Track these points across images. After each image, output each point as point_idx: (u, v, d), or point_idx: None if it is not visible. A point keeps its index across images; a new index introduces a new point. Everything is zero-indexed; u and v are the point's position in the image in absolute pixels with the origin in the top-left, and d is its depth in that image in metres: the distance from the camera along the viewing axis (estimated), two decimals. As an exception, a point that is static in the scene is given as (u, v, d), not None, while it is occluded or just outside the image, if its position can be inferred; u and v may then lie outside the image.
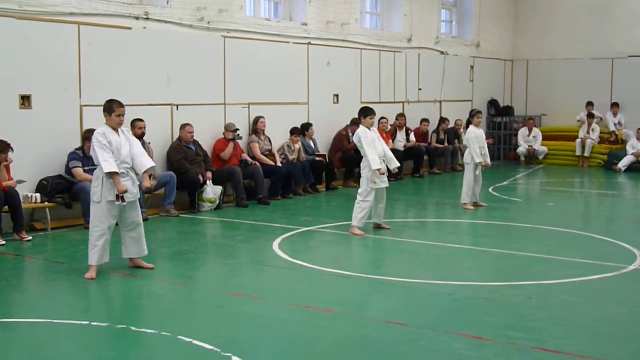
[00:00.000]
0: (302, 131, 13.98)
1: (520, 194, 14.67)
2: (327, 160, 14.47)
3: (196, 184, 11.63)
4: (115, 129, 7.63)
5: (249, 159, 12.82)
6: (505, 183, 15.62)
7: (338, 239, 9.84)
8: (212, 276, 8.10)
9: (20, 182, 9.54)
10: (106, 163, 7.42)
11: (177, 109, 12.06)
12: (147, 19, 11.67)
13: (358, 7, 15.98)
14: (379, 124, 15.89)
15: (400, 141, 16.44)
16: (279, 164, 13.14)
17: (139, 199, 7.97)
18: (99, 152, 7.45)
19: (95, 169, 10.30)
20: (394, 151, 15.92)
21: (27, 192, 9.91)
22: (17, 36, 9.95)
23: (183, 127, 11.80)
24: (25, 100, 10.09)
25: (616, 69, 19.57)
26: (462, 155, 18.04)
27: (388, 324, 6.04)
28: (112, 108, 7.64)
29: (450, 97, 18.71)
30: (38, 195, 9.96)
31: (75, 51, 10.61)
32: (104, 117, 7.75)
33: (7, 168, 9.48)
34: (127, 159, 7.62)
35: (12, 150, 9.46)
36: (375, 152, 9.86)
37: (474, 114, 12.38)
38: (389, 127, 16.46)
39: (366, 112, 10.05)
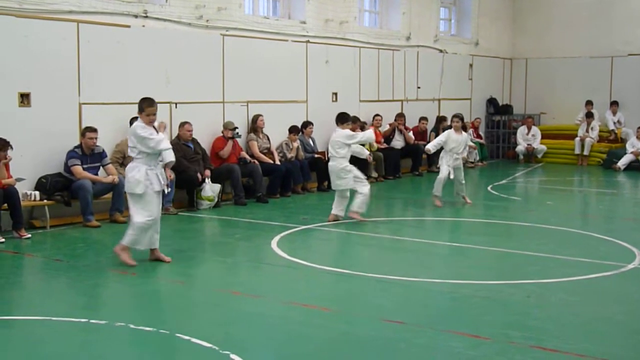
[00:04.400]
0: (301, 129, 13.98)
1: (519, 192, 14.68)
2: (326, 159, 14.47)
3: (194, 182, 11.63)
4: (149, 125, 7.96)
5: (247, 157, 12.82)
6: (503, 181, 15.63)
7: (336, 237, 9.86)
8: (211, 274, 8.10)
9: (19, 179, 9.54)
10: (164, 143, 7.89)
11: (176, 106, 12.05)
12: (146, 17, 11.66)
13: (357, 5, 15.97)
14: (373, 121, 15.96)
15: (398, 140, 16.46)
16: (278, 162, 13.15)
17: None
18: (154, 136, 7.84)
19: (94, 167, 10.39)
20: (393, 150, 16.11)
21: (26, 189, 9.91)
22: (16, 34, 9.94)
23: (182, 125, 11.80)
24: (24, 98, 10.09)
25: (615, 67, 19.57)
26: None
27: (386, 322, 6.05)
28: (141, 107, 7.94)
29: (449, 95, 18.71)
30: (37, 193, 9.96)
31: (74, 49, 10.61)
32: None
33: (6, 166, 9.48)
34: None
35: (11, 148, 9.46)
36: None
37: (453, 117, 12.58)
38: (387, 126, 16.49)
39: (348, 117, 10.96)
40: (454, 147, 12.04)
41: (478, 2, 19.87)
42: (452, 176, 11.92)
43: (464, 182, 12.27)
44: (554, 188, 15.15)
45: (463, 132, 12.37)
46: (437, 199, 12.02)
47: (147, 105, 7.89)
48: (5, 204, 9.31)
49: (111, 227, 10.14)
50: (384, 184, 15.09)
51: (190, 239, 9.68)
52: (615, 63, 19.55)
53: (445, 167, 12.05)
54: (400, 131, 16.52)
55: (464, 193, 12.28)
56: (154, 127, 7.91)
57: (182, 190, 11.72)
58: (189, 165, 11.63)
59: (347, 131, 10.70)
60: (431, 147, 12.36)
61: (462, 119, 12.43)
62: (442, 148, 12.27)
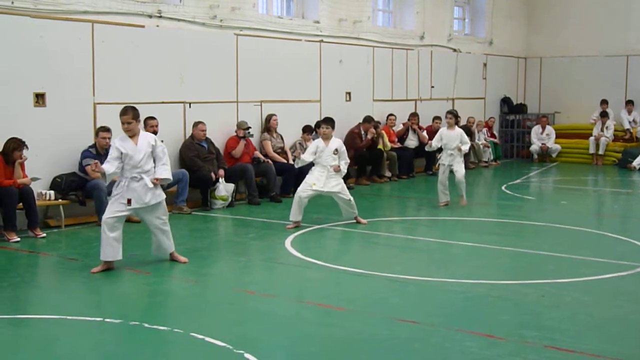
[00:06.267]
0: (314, 129, 13.97)
1: (533, 191, 14.62)
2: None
3: (208, 182, 11.66)
4: (129, 136, 7.78)
5: (261, 156, 12.84)
6: (518, 181, 15.57)
7: (350, 236, 9.85)
8: (224, 273, 8.12)
9: (34, 179, 9.61)
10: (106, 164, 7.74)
11: (190, 106, 12.09)
12: (160, 17, 11.71)
13: (370, 4, 15.96)
14: (386, 121, 15.96)
15: (412, 140, 16.45)
16: (291, 162, 13.15)
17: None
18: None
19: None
20: (406, 149, 16.09)
21: (41, 189, 9.97)
22: (32, 34, 10.01)
23: (195, 124, 11.84)
24: (40, 98, 10.15)
25: (631, 66, 19.45)
26: (475, 153, 18.07)
27: (400, 322, 6.04)
28: (120, 116, 7.83)
29: (462, 95, 18.66)
30: (52, 192, 10.02)
31: (89, 49, 10.66)
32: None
33: (22, 165, 9.54)
34: (138, 164, 7.72)
35: (27, 147, 9.52)
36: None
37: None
38: (401, 126, 16.47)
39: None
40: (445, 143, 11.92)
41: (492, 1, 19.80)
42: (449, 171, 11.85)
43: (464, 181, 11.90)
44: (569, 187, 15.07)
45: (456, 128, 12.04)
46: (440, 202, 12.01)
47: (120, 114, 7.80)
48: (21, 204, 9.38)
49: (125, 227, 10.14)
50: (397, 184, 15.08)
51: (204, 238, 9.71)
52: (631, 62, 19.43)
53: (441, 167, 12.01)
54: (414, 131, 16.51)
55: (462, 192, 11.95)
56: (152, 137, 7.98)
57: (196, 189, 11.75)
58: (202, 165, 11.66)
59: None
60: (433, 142, 12.15)
61: (455, 115, 12.23)
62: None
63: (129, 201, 7.71)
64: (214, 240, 9.78)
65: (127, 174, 7.74)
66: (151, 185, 7.78)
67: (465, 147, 11.97)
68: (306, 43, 14.26)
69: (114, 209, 7.75)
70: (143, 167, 7.74)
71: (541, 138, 19.38)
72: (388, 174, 15.35)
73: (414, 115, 16.58)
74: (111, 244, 7.68)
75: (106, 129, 10.39)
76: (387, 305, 6.60)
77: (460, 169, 11.85)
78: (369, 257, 8.97)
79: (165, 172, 7.89)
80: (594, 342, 5.53)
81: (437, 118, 17.26)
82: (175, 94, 11.89)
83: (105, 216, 7.78)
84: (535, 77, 21.15)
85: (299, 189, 10.31)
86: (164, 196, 8.02)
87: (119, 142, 7.79)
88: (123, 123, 7.76)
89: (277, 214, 11.25)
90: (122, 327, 5.97)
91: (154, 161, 7.87)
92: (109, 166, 7.67)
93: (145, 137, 7.88)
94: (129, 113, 7.74)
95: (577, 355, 5.26)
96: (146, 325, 5.95)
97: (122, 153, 7.69)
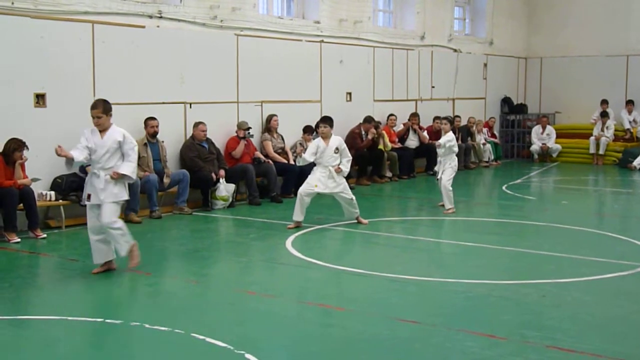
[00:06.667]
0: (315, 129, 13.97)
1: (534, 191, 14.61)
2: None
3: (209, 182, 11.66)
4: (99, 130, 7.64)
5: (261, 156, 12.84)
6: (518, 181, 15.57)
7: (350, 236, 9.85)
8: (225, 274, 8.12)
9: (34, 180, 9.61)
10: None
11: (190, 107, 12.09)
12: (161, 17, 11.71)
13: (371, 4, 15.96)
14: (387, 121, 15.96)
15: (413, 140, 16.45)
16: (292, 162, 13.15)
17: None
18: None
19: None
20: (407, 149, 16.09)
21: (41, 189, 9.97)
22: (32, 35, 10.00)
23: (196, 125, 11.83)
24: (40, 99, 10.15)
25: (631, 65, 19.44)
26: (476, 153, 18.07)
27: (400, 322, 6.04)
28: (90, 109, 7.71)
29: (463, 95, 18.65)
30: (52, 193, 10.02)
31: (89, 50, 10.66)
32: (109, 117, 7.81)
33: (22, 166, 9.54)
34: (100, 159, 7.57)
35: (27, 148, 9.52)
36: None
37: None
38: (402, 126, 16.48)
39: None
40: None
41: (492, 1, 19.79)
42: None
43: (448, 187, 11.23)
44: (569, 187, 15.07)
45: (448, 133, 11.60)
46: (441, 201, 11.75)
47: (90, 107, 7.66)
48: (21, 204, 9.38)
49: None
50: (398, 184, 15.07)
51: (204, 238, 9.71)
52: (631, 62, 19.42)
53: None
54: (415, 131, 16.52)
55: (446, 203, 11.32)
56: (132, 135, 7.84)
57: (197, 190, 11.75)
58: (203, 165, 11.66)
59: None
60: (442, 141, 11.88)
61: (451, 121, 11.87)
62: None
63: (89, 196, 7.61)
64: (214, 241, 9.78)
65: (92, 167, 7.66)
66: (104, 180, 7.51)
67: (439, 141, 11.45)
68: (307, 43, 14.26)
69: (89, 212, 7.68)
70: (104, 163, 7.55)
71: (541, 138, 19.38)
72: (389, 174, 15.35)
73: (414, 116, 16.58)
74: (97, 248, 7.64)
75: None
76: (388, 305, 6.60)
77: (444, 176, 11.33)
78: (369, 257, 8.97)
79: (127, 168, 7.59)
80: (595, 342, 5.53)
81: (437, 118, 17.27)
82: (176, 95, 11.89)
83: (87, 224, 7.73)
84: (536, 77, 21.14)
85: (300, 188, 10.32)
86: (121, 198, 7.68)
87: (88, 132, 7.64)
88: (93, 117, 7.59)
89: (277, 214, 11.25)
90: (123, 328, 5.97)
91: (123, 158, 7.65)
92: (78, 153, 7.50)
93: (113, 133, 7.61)
94: (99, 107, 7.59)
95: (579, 355, 5.26)
96: (147, 325, 5.94)
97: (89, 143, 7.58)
